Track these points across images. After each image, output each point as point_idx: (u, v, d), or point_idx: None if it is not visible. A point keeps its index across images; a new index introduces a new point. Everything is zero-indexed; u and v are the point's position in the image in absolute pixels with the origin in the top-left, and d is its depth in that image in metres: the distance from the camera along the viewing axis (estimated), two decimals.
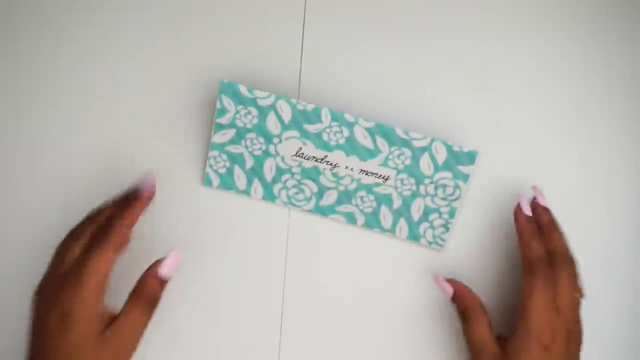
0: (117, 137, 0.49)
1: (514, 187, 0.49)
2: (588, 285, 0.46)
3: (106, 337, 0.40)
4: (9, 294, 0.49)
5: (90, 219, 0.44)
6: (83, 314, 0.39)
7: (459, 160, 0.46)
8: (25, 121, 0.49)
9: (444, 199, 0.47)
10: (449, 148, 0.45)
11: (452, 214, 0.47)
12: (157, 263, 0.43)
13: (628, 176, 0.50)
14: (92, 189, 0.49)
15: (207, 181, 0.48)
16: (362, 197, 0.48)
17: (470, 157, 0.46)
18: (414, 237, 0.48)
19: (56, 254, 0.43)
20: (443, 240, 0.48)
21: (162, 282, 0.42)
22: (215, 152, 0.48)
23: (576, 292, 0.42)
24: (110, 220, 0.42)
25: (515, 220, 0.45)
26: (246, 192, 0.48)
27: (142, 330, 0.41)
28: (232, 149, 0.47)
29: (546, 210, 0.45)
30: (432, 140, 0.45)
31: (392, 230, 0.48)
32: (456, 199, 0.47)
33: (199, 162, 0.49)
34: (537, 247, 0.43)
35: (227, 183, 0.48)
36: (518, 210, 0.45)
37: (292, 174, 0.48)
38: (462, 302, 0.44)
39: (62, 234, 0.43)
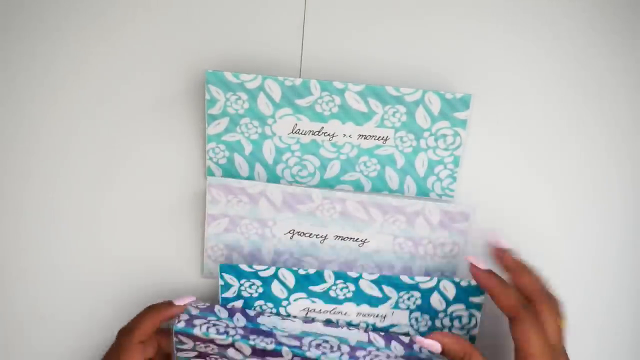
0: (112, 131, 0.50)
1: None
2: (587, 287, 0.49)
3: None
4: None
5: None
6: None
7: (454, 107, 0.46)
8: (23, 119, 0.50)
9: (446, 149, 0.47)
10: (442, 96, 0.46)
11: (456, 162, 0.47)
12: None
13: (625, 176, 0.50)
14: (88, 185, 0.50)
15: (209, 173, 0.48)
16: (365, 162, 0.48)
17: (465, 102, 0.46)
18: (422, 192, 0.48)
19: None
20: (452, 190, 0.48)
21: None
22: (212, 144, 0.48)
23: (560, 324, 0.43)
24: (130, 325, 0.45)
25: (475, 279, 0.44)
26: (250, 178, 0.48)
27: None
28: (229, 137, 0.47)
29: (508, 252, 0.45)
30: (424, 92, 0.45)
31: (400, 191, 0.48)
32: (458, 147, 0.47)
33: (197, 156, 0.49)
34: (509, 296, 0.43)
35: (229, 173, 0.48)
36: (473, 268, 0.44)
37: (292, 152, 0.48)
38: (450, 352, 0.43)
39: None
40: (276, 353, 0.43)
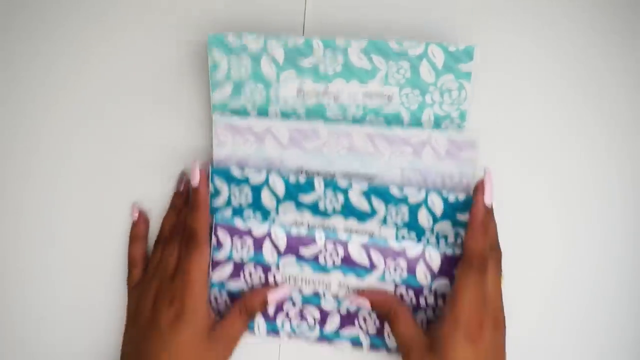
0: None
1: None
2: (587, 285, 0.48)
3: (213, 335, 0.43)
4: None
5: (167, 219, 0.48)
6: (196, 313, 0.42)
7: (458, 59, 0.46)
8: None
9: (452, 103, 0.47)
10: (445, 49, 0.45)
11: (462, 117, 0.47)
12: (269, 288, 0.45)
13: (625, 174, 0.49)
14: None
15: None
16: (371, 122, 0.47)
17: (468, 53, 0.46)
18: None
19: (151, 260, 0.47)
20: None
21: (265, 304, 0.45)
22: (218, 113, 0.47)
23: (500, 280, 0.43)
24: (189, 224, 0.45)
25: (474, 205, 0.43)
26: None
27: (239, 339, 0.45)
28: (234, 103, 0.47)
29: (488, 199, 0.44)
30: (427, 45, 0.46)
31: None
32: (464, 100, 0.47)
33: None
34: (483, 241, 0.42)
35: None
36: (480, 197, 0.43)
37: (298, 115, 0.47)
38: (380, 306, 0.44)
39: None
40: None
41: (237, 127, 0.46)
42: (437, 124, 0.47)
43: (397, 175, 0.47)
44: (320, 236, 0.46)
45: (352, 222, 0.46)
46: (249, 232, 0.46)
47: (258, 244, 0.46)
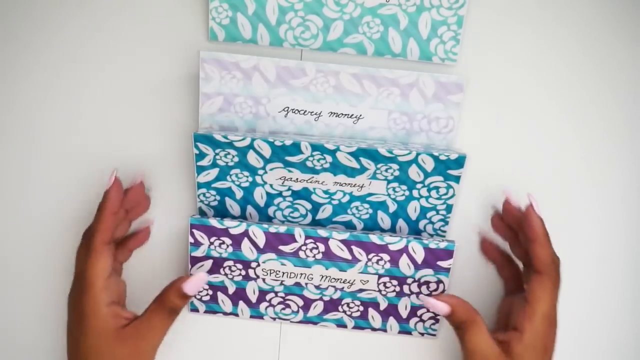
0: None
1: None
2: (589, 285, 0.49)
3: (124, 333, 0.43)
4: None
5: None
6: (94, 316, 0.42)
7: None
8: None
9: (449, 8, 0.46)
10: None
11: (460, 23, 0.47)
12: (183, 279, 0.44)
13: (626, 177, 0.49)
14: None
15: (212, 36, 0.48)
16: (368, 23, 0.47)
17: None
18: (425, 56, 0.48)
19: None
20: (455, 54, 0.48)
21: (185, 297, 0.44)
22: (216, 2, 0.48)
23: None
24: (91, 225, 0.44)
25: (531, 221, 0.42)
26: (252, 41, 0.48)
27: (160, 336, 0.44)
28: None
29: (540, 217, 0.43)
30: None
31: (403, 54, 0.48)
32: (462, 5, 0.46)
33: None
34: (552, 251, 0.42)
35: (232, 35, 0.48)
36: (531, 211, 0.42)
37: (295, 12, 0.47)
38: (460, 316, 0.43)
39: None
40: (288, 237, 0.47)
41: (224, 62, 0.46)
42: (434, 29, 0.46)
43: (383, 116, 0.47)
44: (299, 233, 0.46)
45: (342, 177, 0.47)
46: (226, 231, 0.46)
47: (236, 242, 0.47)
